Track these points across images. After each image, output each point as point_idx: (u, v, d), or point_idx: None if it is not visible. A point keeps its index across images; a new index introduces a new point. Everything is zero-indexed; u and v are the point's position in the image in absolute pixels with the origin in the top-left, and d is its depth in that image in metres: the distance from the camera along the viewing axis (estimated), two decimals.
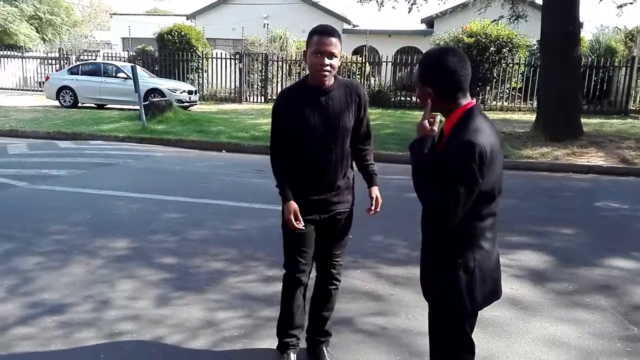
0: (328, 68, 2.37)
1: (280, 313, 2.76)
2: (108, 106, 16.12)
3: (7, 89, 21.79)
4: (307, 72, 2.50)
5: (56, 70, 19.32)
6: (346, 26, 26.00)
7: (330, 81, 2.45)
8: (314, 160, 2.49)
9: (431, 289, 2.01)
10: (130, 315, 3.26)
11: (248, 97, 18.88)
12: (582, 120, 10.96)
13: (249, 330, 3.11)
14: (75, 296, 3.49)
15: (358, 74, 18.07)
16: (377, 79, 18.62)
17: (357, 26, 25.95)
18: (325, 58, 2.35)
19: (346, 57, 18.71)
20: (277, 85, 18.73)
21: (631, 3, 13.54)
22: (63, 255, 4.22)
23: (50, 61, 21.80)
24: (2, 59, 22.50)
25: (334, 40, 2.36)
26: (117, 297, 3.49)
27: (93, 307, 3.36)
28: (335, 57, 2.38)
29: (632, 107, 15.55)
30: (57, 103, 16.00)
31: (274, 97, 18.38)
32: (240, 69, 18.57)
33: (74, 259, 4.15)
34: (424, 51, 21.97)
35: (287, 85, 2.10)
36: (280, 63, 18.75)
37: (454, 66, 1.83)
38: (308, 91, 2.46)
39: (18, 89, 21.99)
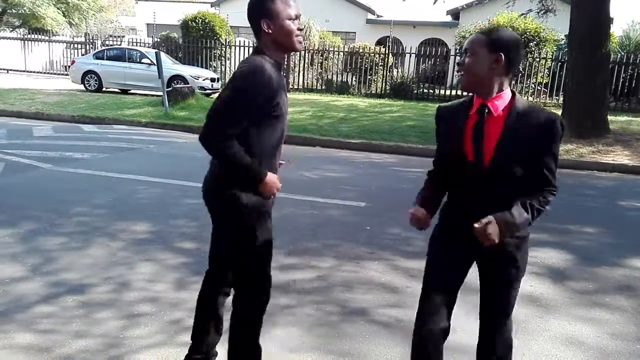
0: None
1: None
2: (132, 91, 16.30)
3: (34, 72, 22.17)
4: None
5: (82, 55, 19.58)
6: (370, 16, 25.79)
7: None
8: (280, 142, 2.26)
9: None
10: (149, 297, 3.31)
11: None
12: (609, 117, 10.73)
13: (265, 316, 3.13)
14: (96, 277, 3.56)
15: (381, 65, 17.94)
16: (400, 70, 18.46)
17: (381, 16, 25.69)
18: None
19: (369, 47, 18.58)
20: (298, 74, 18.71)
21: None
22: (85, 236, 4.30)
23: (76, 45, 22.09)
24: (29, 42, 22.87)
25: None
26: (137, 280, 3.55)
27: (113, 288, 3.42)
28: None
29: None
30: (82, 87, 16.23)
31: (296, 87, 18.52)
32: None
33: (96, 240, 4.23)
34: (449, 43, 21.63)
35: (259, 64, 1.96)
36: (302, 53, 18.69)
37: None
38: (277, 67, 2.16)
39: (45, 73, 22.35)
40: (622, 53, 15.91)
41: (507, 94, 1.91)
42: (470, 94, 1.97)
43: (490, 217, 1.81)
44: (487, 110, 1.90)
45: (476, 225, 1.79)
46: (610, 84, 13.55)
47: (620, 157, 8.88)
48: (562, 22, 11.92)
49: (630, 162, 8.63)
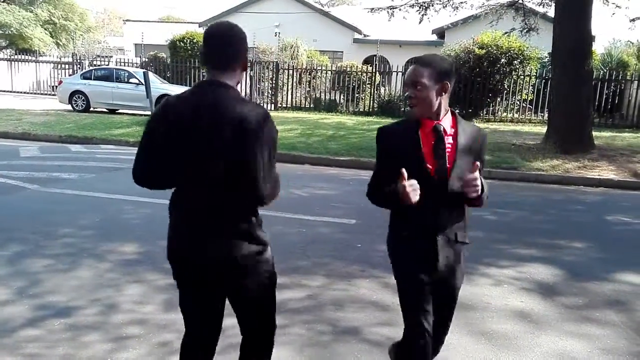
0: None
1: None
2: (119, 111, 16.26)
3: (21, 92, 22.05)
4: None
5: (69, 75, 19.53)
6: (357, 36, 26.08)
7: None
8: None
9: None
10: (137, 319, 3.26)
11: None
12: (594, 133, 10.89)
13: None
14: (83, 299, 3.50)
15: (368, 83, 18.10)
16: (387, 88, 18.64)
17: (368, 36, 25.99)
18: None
19: (356, 66, 18.77)
20: (287, 93, 18.81)
21: None
22: (72, 258, 4.24)
23: (63, 66, 22.05)
24: (16, 62, 22.79)
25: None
26: (125, 301, 3.50)
27: (100, 310, 3.37)
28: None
29: None
30: (69, 107, 16.15)
31: (284, 105, 18.61)
32: (250, 77, 18.67)
33: (83, 262, 4.17)
34: None
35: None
36: (290, 71, 18.83)
37: None
38: None
39: (31, 93, 22.25)
40: (605, 70, 16.24)
41: (449, 113, 2.15)
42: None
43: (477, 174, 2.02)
44: (442, 130, 2.10)
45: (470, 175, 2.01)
46: (593, 100, 13.79)
47: (606, 172, 8.99)
48: (545, 40, 12.15)
49: (615, 176, 8.74)
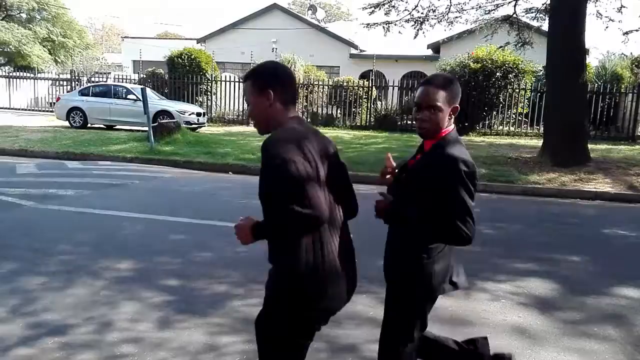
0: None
1: None
2: (117, 127, 16.30)
3: (19, 109, 22.11)
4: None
5: (67, 92, 19.61)
6: (353, 51, 26.28)
7: None
8: None
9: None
10: (131, 337, 3.23)
11: None
12: (589, 146, 10.94)
13: (251, 355, 3.07)
14: (78, 317, 3.48)
15: (365, 98, 18.20)
16: (383, 102, 18.74)
17: (364, 51, 26.19)
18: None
19: (353, 81, 18.88)
20: None
21: (637, 30, 13.64)
22: (67, 275, 4.22)
23: (61, 82, 22.14)
24: (15, 79, 22.88)
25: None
26: (119, 319, 3.47)
27: (95, 328, 3.34)
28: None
29: (639, 134, 15.50)
30: (67, 124, 16.20)
31: None
32: None
33: (78, 279, 4.15)
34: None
35: None
36: None
37: None
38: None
39: (29, 110, 22.31)
40: (599, 83, 16.35)
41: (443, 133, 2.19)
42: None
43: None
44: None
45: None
46: (589, 113, 13.88)
47: (602, 185, 9.01)
48: (540, 53, 12.25)
49: (612, 189, 8.76)
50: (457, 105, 2.10)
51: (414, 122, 12.95)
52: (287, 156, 1.75)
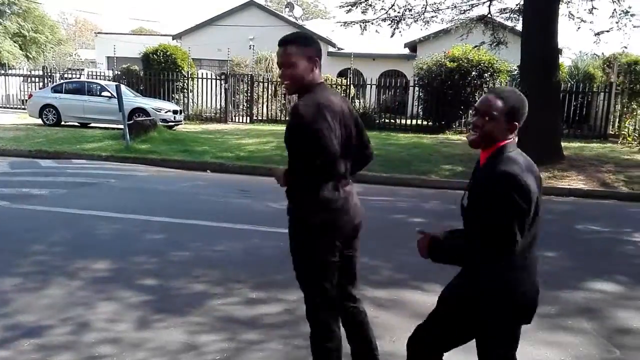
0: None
1: None
2: (92, 125, 16.02)
3: None
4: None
5: (39, 88, 19.17)
6: (331, 49, 26.29)
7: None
8: None
9: None
10: (109, 338, 3.19)
11: (233, 118, 18.91)
12: (563, 144, 11.17)
13: (230, 353, 3.07)
14: (54, 318, 3.42)
15: (343, 96, 18.24)
16: (361, 101, 18.81)
17: (342, 49, 26.23)
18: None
19: (331, 79, 18.90)
20: (262, 106, 18.81)
21: (607, 31, 13.96)
22: (42, 276, 4.14)
23: (33, 79, 21.64)
24: None
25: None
26: (97, 320, 3.42)
27: (71, 329, 3.29)
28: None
29: (610, 132, 15.88)
30: (40, 121, 15.85)
31: (260, 118, 18.59)
32: (225, 90, 18.64)
33: (54, 280, 4.07)
34: (407, 75, 22.30)
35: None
36: (265, 84, 18.87)
37: None
38: None
39: (0, 107, 21.74)
40: (572, 82, 16.68)
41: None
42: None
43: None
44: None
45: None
46: (562, 112, 14.16)
47: (575, 182, 9.21)
48: (514, 53, 12.45)
49: (584, 186, 8.97)
50: (517, 124, 1.99)
51: (391, 121, 13.08)
52: (316, 120, 2.22)
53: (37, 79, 21.30)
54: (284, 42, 2.32)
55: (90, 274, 4.23)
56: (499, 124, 1.96)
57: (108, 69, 24.61)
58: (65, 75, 21.24)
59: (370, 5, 14.95)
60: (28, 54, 32.06)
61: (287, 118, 17.56)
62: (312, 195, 2.30)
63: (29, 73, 23.07)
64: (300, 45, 2.31)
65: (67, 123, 16.01)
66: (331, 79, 18.85)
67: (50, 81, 19.86)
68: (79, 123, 16.13)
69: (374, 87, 18.19)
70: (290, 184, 2.42)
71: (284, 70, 2.32)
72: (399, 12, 15.22)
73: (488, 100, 1.98)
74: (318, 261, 2.38)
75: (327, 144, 2.20)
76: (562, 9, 12.59)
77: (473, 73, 16.26)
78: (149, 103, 15.81)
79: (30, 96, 17.06)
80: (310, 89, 2.33)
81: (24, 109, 18.70)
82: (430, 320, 2.19)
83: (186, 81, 18.79)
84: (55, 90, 16.32)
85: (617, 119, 16.20)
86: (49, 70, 20.96)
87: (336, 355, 2.44)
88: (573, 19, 14.10)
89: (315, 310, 2.44)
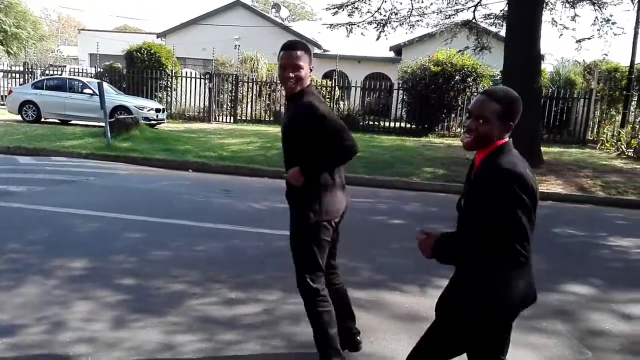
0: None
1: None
2: (72, 122, 15.81)
3: None
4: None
5: (20, 84, 18.87)
6: (317, 50, 26.32)
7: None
8: None
9: None
10: (85, 337, 3.15)
11: (217, 117, 18.82)
12: (542, 149, 11.32)
13: (208, 353, 3.06)
14: (28, 317, 3.37)
15: (328, 97, 18.27)
16: (346, 103, 18.86)
17: (327, 51, 26.28)
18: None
19: (316, 80, 18.93)
20: (246, 106, 18.76)
21: (589, 38, 14.22)
22: (17, 274, 4.08)
23: (14, 75, 21.28)
24: None
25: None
26: (73, 319, 3.38)
27: (46, 328, 3.24)
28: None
29: (589, 137, 16.15)
30: (19, 118, 15.60)
31: (244, 118, 18.54)
32: (209, 89, 18.54)
33: (29, 278, 4.01)
34: (392, 78, 22.39)
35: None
36: (250, 84, 18.82)
37: None
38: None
39: None
40: (553, 88, 16.93)
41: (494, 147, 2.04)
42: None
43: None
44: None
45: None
46: (542, 117, 14.37)
47: (554, 186, 9.34)
48: (497, 58, 12.60)
49: (563, 190, 9.10)
50: (512, 124, 1.95)
51: (375, 123, 13.14)
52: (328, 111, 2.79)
53: (17, 75, 20.96)
54: (294, 47, 2.68)
55: (66, 273, 4.18)
56: (493, 126, 1.92)
57: (91, 66, 24.33)
58: (47, 72, 20.94)
59: (357, 8, 15.01)
60: (9, 49, 31.46)
61: (270, 119, 17.23)
62: (317, 182, 2.71)
63: (9, 69, 22.70)
64: (307, 52, 2.71)
65: (47, 120, 15.79)
66: (316, 81, 18.86)
67: (31, 77, 19.56)
68: (59, 120, 15.92)
69: (358, 89, 18.26)
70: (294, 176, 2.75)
71: (290, 71, 2.66)
72: (384, 16, 15.32)
73: (481, 102, 1.94)
74: (318, 239, 2.73)
75: (346, 127, 2.77)
76: (546, 15, 12.79)
77: (456, 77, 16.42)
78: (131, 101, 15.65)
79: (10, 92, 16.79)
80: (307, 90, 2.74)
81: (3, 104, 18.38)
82: (431, 333, 2.19)
83: (170, 80, 18.65)
84: (36, 86, 16.08)
85: (596, 125, 16.49)
86: (30, 67, 20.63)
87: (328, 315, 2.77)
88: (556, 26, 14.34)
89: (310, 280, 2.77)
